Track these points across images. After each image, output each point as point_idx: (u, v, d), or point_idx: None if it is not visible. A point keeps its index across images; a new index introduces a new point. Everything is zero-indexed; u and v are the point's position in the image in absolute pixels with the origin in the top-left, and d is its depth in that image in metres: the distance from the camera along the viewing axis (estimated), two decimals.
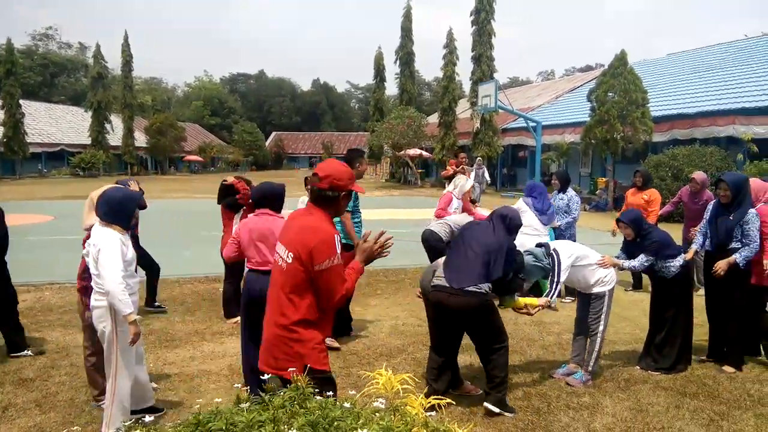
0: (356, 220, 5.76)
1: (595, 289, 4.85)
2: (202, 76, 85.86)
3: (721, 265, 4.99)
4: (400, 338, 6.06)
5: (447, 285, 4.19)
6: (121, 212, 3.79)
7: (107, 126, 45.87)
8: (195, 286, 8.30)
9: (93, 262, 3.70)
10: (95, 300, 3.78)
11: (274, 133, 76.58)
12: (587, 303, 4.96)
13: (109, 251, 3.63)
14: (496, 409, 4.17)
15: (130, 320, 3.64)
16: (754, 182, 5.54)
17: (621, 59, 18.95)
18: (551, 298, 4.68)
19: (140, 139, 49.00)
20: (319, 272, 2.77)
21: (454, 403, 4.21)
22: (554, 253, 4.71)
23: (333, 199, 2.88)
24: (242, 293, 4.57)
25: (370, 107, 46.17)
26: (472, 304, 4.14)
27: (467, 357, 5.26)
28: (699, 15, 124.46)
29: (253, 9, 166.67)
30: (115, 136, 46.81)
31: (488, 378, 4.30)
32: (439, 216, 7.27)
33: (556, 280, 4.65)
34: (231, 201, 6.51)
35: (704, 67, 25.21)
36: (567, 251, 4.77)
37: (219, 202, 6.70)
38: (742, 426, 4.07)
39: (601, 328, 4.85)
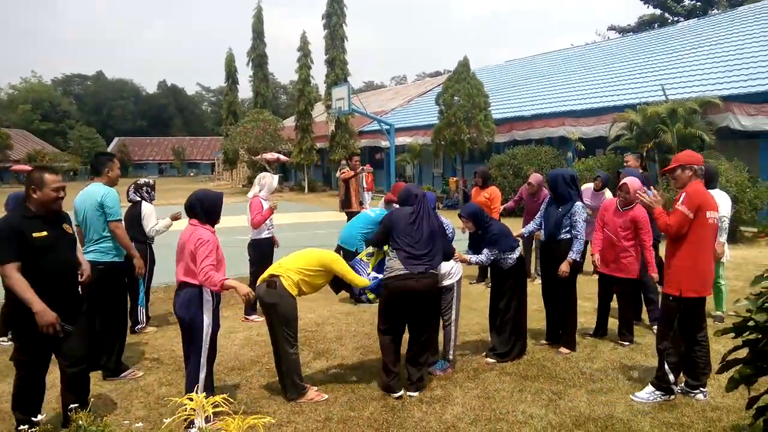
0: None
1: (445, 282, 5.01)
2: (29, 77, 77.55)
3: (563, 268, 5.34)
4: (254, 349, 5.80)
5: (410, 272, 4.42)
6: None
7: None
8: None
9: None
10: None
11: (117, 139, 71.21)
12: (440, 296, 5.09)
13: None
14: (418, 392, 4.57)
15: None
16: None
17: (464, 65, 20.02)
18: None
19: None
20: None
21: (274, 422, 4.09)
22: None
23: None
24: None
25: (222, 111, 44.59)
26: (434, 284, 4.65)
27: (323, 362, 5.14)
28: (532, 27, 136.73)
29: (89, 8, 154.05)
30: None
31: (414, 361, 4.62)
32: (259, 223, 6.52)
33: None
34: None
35: (537, 74, 27.49)
36: None
37: None
38: (577, 403, 4.39)
39: (453, 317, 5.06)
